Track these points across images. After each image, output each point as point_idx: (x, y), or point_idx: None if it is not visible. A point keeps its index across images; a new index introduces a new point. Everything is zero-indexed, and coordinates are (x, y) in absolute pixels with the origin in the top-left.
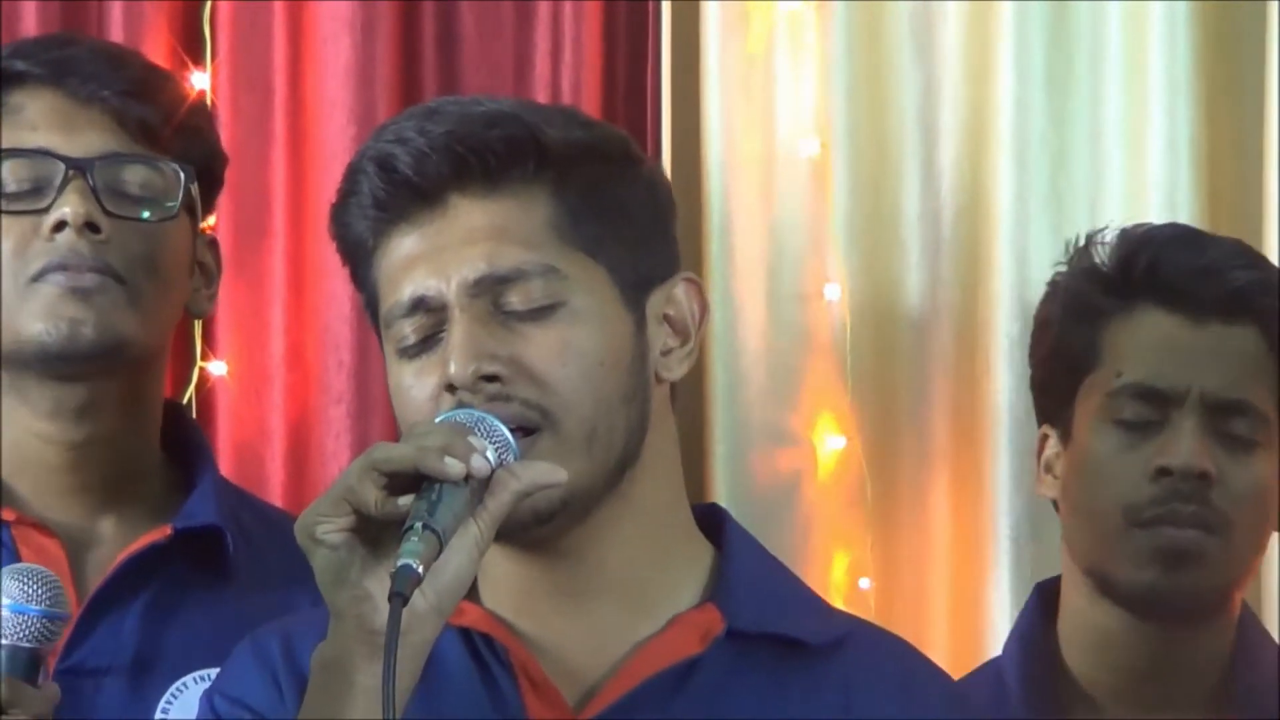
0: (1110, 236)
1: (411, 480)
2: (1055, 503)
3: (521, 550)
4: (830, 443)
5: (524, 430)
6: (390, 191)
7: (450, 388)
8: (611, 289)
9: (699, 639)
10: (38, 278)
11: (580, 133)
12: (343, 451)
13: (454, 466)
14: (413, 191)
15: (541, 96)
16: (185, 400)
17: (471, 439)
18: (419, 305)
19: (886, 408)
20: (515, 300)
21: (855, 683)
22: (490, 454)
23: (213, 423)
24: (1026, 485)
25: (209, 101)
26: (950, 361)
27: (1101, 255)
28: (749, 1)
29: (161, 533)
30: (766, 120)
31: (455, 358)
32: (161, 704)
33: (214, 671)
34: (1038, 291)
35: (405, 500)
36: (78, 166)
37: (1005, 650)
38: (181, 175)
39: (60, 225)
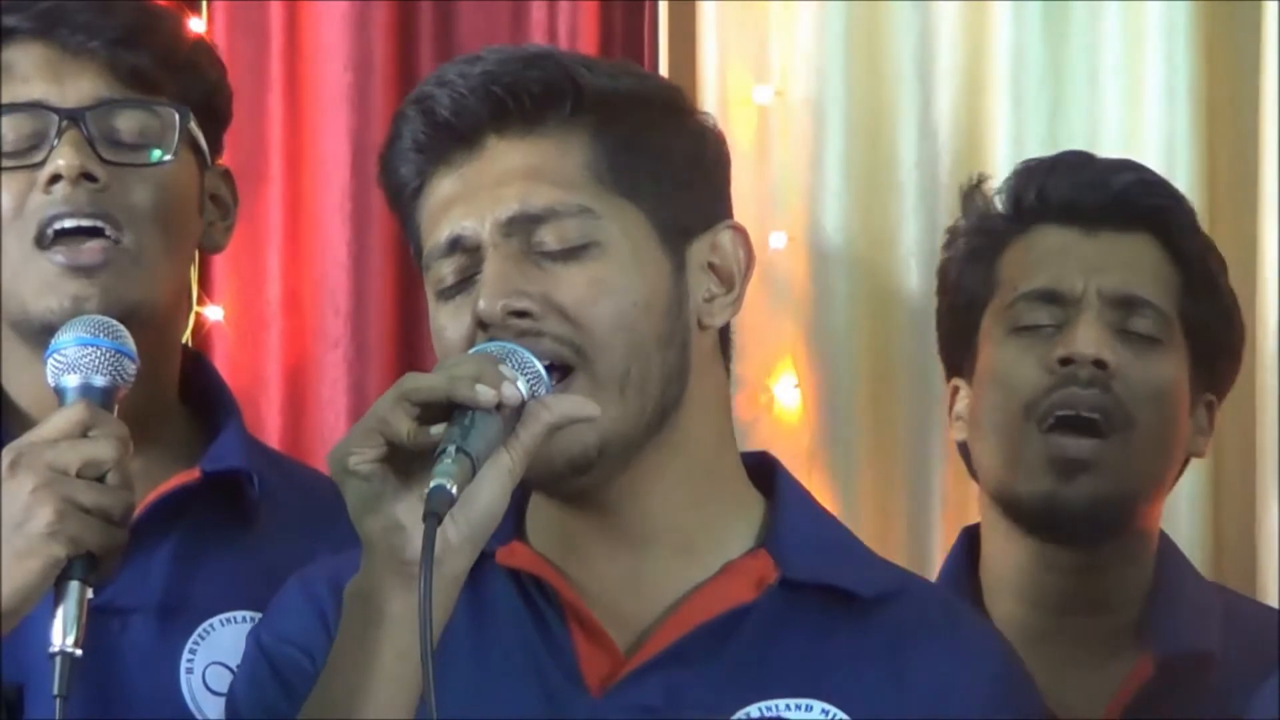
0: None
1: (444, 410)
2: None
3: (565, 499)
4: (819, 387)
5: (558, 368)
6: (430, 134)
7: (482, 325)
8: (649, 232)
9: (752, 586)
10: (40, 239)
11: (627, 81)
12: (339, 398)
13: (485, 394)
14: (451, 134)
15: (538, 41)
16: None
17: (503, 368)
18: (455, 245)
19: (884, 354)
20: (549, 239)
21: (903, 635)
22: (522, 384)
23: None
24: None
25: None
26: None
27: (992, 194)
28: None
29: (191, 475)
30: (763, 64)
31: (485, 294)
32: (189, 645)
33: (239, 614)
34: None
35: (438, 430)
36: (71, 116)
37: None
38: (178, 116)
39: (56, 178)
